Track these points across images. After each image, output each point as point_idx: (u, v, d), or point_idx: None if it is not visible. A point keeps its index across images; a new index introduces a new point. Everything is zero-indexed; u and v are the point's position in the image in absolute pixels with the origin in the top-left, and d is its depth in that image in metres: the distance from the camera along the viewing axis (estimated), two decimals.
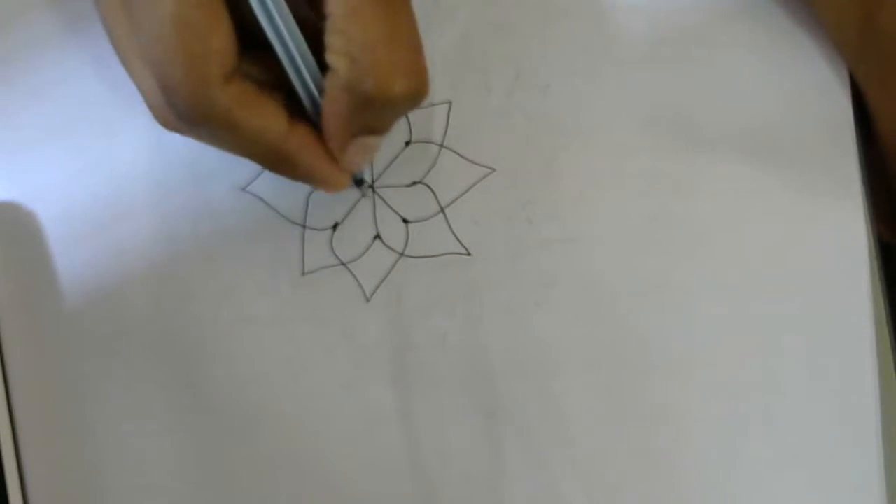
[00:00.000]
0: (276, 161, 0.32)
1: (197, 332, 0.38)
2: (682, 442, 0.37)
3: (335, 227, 0.39)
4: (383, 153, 0.39)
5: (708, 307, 0.37)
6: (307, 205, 0.39)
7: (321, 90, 0.32)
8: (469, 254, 0.38)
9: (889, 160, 0.38)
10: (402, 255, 0.38)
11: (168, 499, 0.38)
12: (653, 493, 0.37)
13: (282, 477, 0.38)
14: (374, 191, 0.39)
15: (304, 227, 0.39)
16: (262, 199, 0.39)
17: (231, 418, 0.38)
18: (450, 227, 0.38)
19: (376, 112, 0.31)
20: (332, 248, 0.39)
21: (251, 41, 0.31)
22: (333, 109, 0.31)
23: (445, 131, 0.39)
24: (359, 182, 0.37)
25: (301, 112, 0.33)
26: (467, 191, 0.39)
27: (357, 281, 0.38)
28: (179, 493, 0.38)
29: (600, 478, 0.37)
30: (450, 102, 0.39)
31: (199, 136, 0.32)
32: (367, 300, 0.38)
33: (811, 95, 0.38)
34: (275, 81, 0.32)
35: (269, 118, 0.31)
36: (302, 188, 0.39)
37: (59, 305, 0.39)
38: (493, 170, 0.39)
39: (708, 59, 0.39)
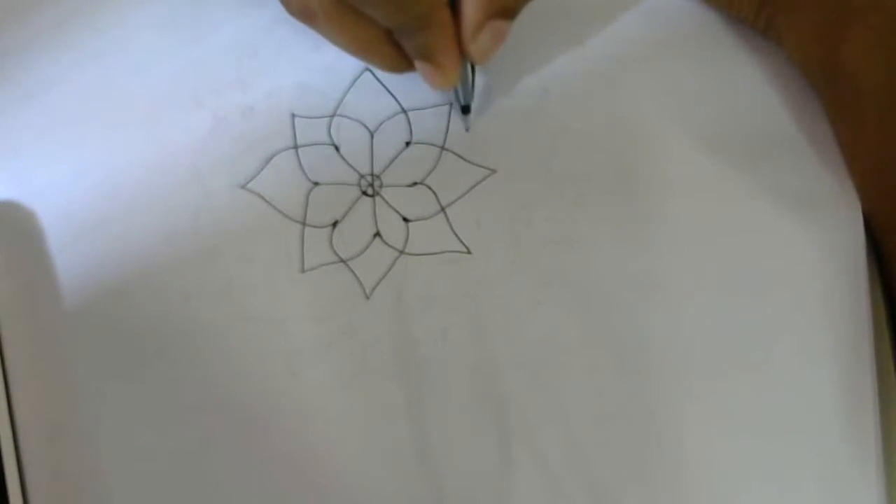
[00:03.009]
0: (417, 28, 0.34)
1: (197, 330, 0.38)
2: (680, 439, 0.37)
3: (335, 224, 0.39)
4: (384, 154, 0.39)
5: (707, 307, 0.37)
6: (307, 202, 0.39)
7: None
8: (469, 252, 0.38)
9: (860, 195, 0.38)
10: (402, 252, 0.38)
11: (168, 499, 0.38)
12: (652, 487, 0.37)
13: (282, 476, 0.38)
14: (374, 189, 0.39)
15: (303, 224, 0.39)
16: (261, 197, 0.39)
17: (231, 417, 0.38)
18: (450, 225, 0.39)
19: None
20: (331, 246, 0.39)
21: None
22: None
23: (446, 133, 0.39)
24: (465, 109, 0.39)
25: None
26: (468, 192, 0.39)
27: (357, 278, 0.38)
28: (179, 492, 0.38)
29: (602, 472, 0.37)
30: (450, 104, 0.39)
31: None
32: (367, 297, 0.38)
33: (812, 96, 0.39)
34: None
35: None
36: (300, 185, 0.39)
37: (59, 305, 0.39)
38: (494, 171, 0.39)
39: (707, 62, 0.39)
